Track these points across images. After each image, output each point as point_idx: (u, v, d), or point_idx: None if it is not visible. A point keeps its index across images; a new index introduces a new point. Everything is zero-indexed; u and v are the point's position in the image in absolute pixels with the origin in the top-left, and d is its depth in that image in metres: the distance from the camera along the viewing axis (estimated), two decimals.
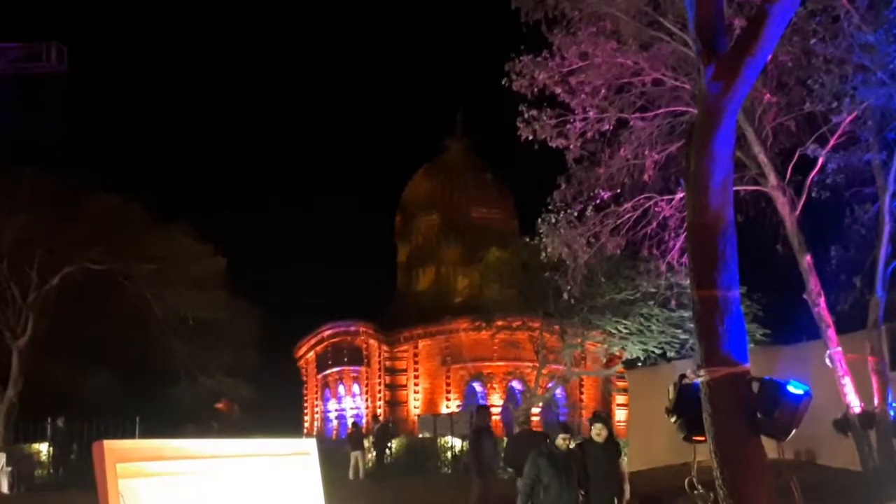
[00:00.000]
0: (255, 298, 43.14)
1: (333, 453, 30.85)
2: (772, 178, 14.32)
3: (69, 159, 55.02)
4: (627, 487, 12.04)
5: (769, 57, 11.67)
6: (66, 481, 25.47)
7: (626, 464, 13.78)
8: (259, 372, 43.23)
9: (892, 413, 13.67)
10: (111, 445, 2.75)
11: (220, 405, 17.79)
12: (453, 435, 34.24)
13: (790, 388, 4.60)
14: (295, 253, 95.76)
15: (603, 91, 14.62)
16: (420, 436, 40.13)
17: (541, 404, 42.16)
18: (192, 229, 38.47)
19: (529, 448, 12.10)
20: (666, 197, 15.50)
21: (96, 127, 75.61)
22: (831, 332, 14.14)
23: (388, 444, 33.13)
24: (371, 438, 32.67)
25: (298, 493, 3.46)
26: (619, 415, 46.03)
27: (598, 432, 11.50)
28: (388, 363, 52.86)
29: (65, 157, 54.83)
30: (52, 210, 31.45)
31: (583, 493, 11.12)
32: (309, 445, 3.60)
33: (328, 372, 58.13)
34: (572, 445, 11.23)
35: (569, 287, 17.45)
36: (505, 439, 21.57)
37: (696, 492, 4.82)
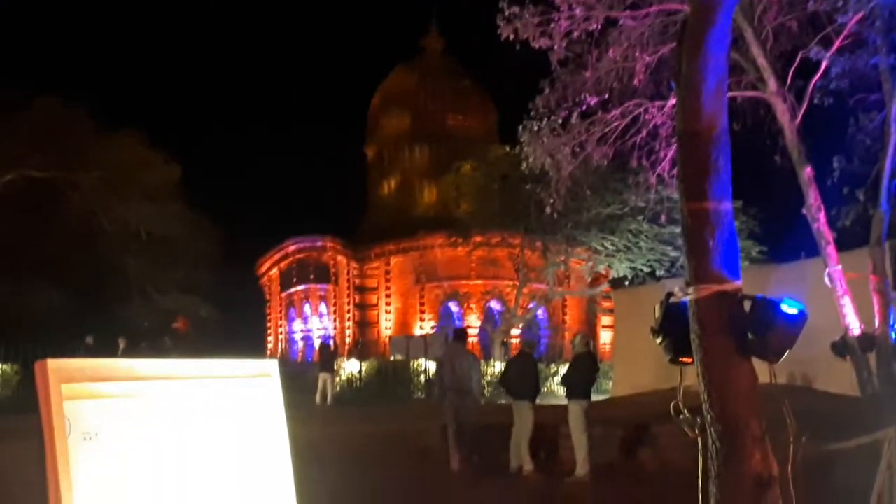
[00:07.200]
0: (213, 210, 43.13)
1: (299, 377, 31.11)
2: (771, 84, 14.27)
3: (5, 59, 54.27)
4: None
5: None
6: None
7: None
8: (218, 290, 43.31)
9: (893, 335, 13.81)
10: (56, 365, 2.73)
11: (176, 325, 17.96)
12: (427, 358, 34.54)
13: (784, 308, 4.63)
14: (257, 161, 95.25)
15: None
16: (392, 358, 40.49)
17: (521, 325, 42.56)
18: (142, 135, 38.09)
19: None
20: (657, 103, 15.43)
21: (36, 24, 74.38)
22: (831, 249, 14.24)
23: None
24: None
25: (258, 417, 3.48)
26: (605, 337, 46.56)
27: None
28: (357, 281, 53.03)
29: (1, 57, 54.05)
30: None
31: None
32: (270, 367, 3.61)
33: (293, 290, 58.27)
34: None
35: (552, 201, 17.45)
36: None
37: (681, 417, 4.87)
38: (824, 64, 14.35)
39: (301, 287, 57.38)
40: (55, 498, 2.62)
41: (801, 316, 4.67)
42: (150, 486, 2.93)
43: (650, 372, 20.77)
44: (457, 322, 46.42)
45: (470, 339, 20.05)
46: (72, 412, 2.71)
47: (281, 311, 60.28)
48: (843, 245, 14.84)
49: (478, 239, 41.21)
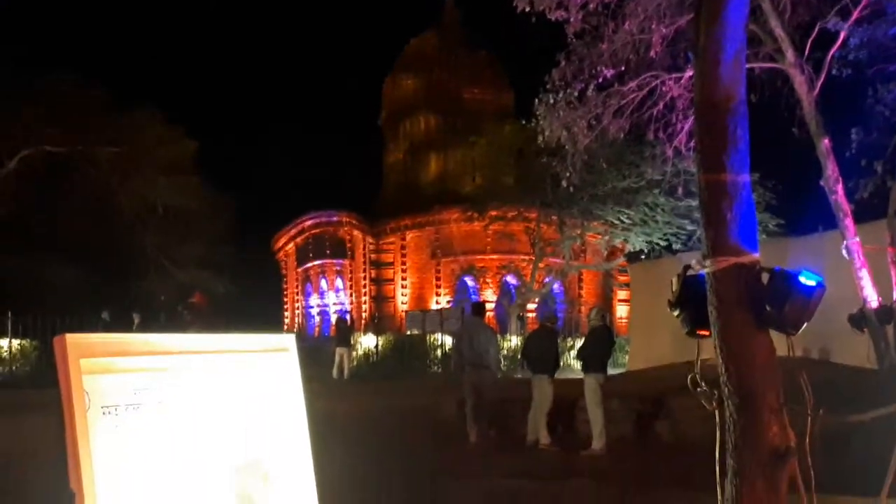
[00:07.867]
0: (229, 185, 43.22)
1: (316, 351, 31.21)
2: (789, 55, 14.17)
3: (22, 35, 54.32)
4: None
5: None
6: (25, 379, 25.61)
7: None
8: (235, 264, 43.44)
9: None
10: (74, 339, 2.76)
11: (193, 299, 18.11)
12: (443, 332, 34.57)
13: (802, 279, 4.61)
14: (274, 135, 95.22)
15: None
16: (408, 332, 40.53)
17: (537, 300, 42.57)
18: (158, 111, 38.18)
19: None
20: (674, 75, 15.35)
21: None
22: (849, 222, 14.17)
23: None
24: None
25: (276, 391, 3.50)
26: (621, 311, 46.52)
27: None
28: (373, 256, 53.05)
29: (17, 33, 54.10)
30: (6, 89, 31.13)
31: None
32: (288, 341, 3.63)
33: (309, 265, 58.34)
34: None
35: (568, 174, 17.41)
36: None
37: (699, 389, 4.87)
38: (843, 34, 14.24)
39: (317, 262, 57.41)
40: (76, 470, 2.65)
41: (819, 288, 4.64)
42: (169, 457, 2.95)
43: (666, 345, 20.78)
44: (472, 296, 46.40)
45: (488, 314, 20.07)
46: (91, 386, 2.74)
47: (297, 286, 60.40)
48: (860, 217, 14.76)
49: (494, 213, 41.13)
